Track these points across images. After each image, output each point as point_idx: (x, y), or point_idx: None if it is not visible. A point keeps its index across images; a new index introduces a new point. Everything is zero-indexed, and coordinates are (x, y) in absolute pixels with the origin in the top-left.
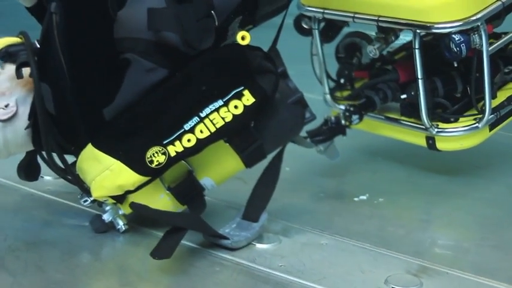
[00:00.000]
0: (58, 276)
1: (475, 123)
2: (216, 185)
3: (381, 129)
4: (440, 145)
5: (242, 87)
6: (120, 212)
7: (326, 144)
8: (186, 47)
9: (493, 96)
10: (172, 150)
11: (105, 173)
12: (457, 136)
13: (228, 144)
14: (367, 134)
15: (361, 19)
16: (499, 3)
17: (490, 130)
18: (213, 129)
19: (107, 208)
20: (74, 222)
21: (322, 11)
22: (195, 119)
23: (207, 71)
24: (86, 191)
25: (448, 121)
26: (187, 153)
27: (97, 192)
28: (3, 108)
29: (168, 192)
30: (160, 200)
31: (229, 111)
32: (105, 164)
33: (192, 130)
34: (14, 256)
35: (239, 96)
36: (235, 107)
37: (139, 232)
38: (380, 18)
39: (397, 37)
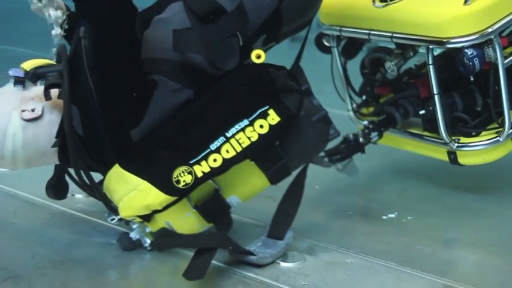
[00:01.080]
0: None
1: (496, 137)
2: (242, 202)
3: (404, 144)
4: (462, 160)
5: (267, 107)
6: (147, 230)
7: (345, 163)
8: (211, 68)
9: None
10: (198, 170)
11: (132, 193)
12: (479, 150)
13: (253, 162)
14: (397, 151)
15: (376, 36)
16: None
17: None
18: (239, 149)
19: (134, 226)
20: (102, 240)
21: (339, 28)
22: (221, 138)
23: (232, 91)
24: (113, 209)
25: (469, 135)
26: (214, 173)
27: (125, 212)
28: (29, 111)
29: (194, 210)
30: (187, 218)
31: (254, 130)
32: (133, 184)
33: (218, 150)
34: (40, 274)
35: (264, 115)
36: (261, 126)
37: (166, 250)
38: (394, 35)
39: (415, 53)
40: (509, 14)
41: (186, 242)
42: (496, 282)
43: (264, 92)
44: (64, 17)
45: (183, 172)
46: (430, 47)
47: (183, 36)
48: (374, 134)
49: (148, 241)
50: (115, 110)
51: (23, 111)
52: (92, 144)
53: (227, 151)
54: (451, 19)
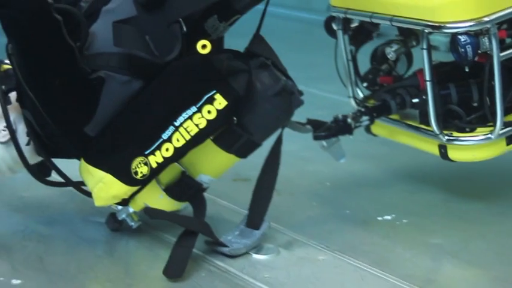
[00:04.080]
0: (52, 268)
1: (488, 134)
2: (214, 179)
3: (399, 135)
4: (452, 154)
5: (214, 91)
6: (131, 211)
7: (331, 142)
8: (155, 59)
9: None
10: (153, 161)
11: (99, 185)
12: (470, 146)
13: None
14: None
15: (378, 19)
16: None
17: (508, 144)
18: (188, 137)
19: (119, 207)
20: (97, 219)
21: (345, 11)
22: (171, 128)
23: (176, 80)
24: (89, 194)
25: (462, 130)
26: (167, 162)
27: (97, 202)
28: (3, 130)
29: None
30: (160, 200)
31: (203, 117)
32: (97, 177)
33: (169, 139)
34: (23, 246)
35: (211, 101)
36: (209, 112)
37: (148, 236)
38: (394, 18)
39: (418, 41)
40: (510, 6)
41: (175, 219)
42: None
43: (208, 77)
44: None
45: (139, 163)
46: (426, 31)
47: (122, 31)
48: (365, 118)
49: (133, 221)
50: (60, 112)
51: None
52: (55, 142)
53: (177, 140)
54: (447, 3)
